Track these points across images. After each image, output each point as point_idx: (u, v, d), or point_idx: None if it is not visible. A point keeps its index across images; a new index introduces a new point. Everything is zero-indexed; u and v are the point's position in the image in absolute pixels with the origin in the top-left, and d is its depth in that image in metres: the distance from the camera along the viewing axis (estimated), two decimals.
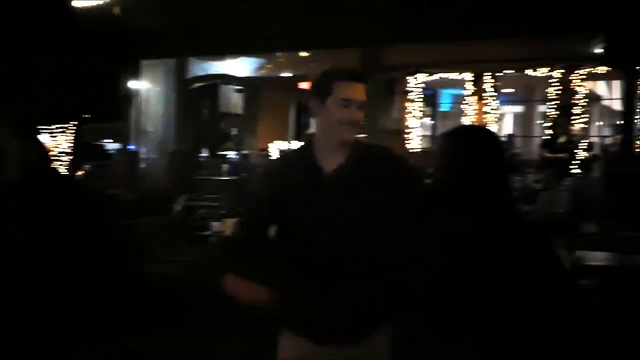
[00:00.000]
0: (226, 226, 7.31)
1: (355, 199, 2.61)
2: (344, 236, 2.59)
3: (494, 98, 17.27)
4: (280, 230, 2.77)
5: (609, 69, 13.14)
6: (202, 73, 15.83)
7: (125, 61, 14.77)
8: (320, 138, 2.74)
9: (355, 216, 2.59)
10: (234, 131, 27.08)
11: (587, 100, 16.32)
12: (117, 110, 15.95)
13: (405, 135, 18.11)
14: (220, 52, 14.84)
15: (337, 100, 2.68)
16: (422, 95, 18.32)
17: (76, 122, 13.47)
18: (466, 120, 17.45)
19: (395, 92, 18.06)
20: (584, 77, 16.02)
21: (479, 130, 2.83)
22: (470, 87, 17.36)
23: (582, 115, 16.09)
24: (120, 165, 14.93)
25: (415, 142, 18.28)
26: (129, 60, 14.85)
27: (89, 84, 13.31)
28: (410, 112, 18.21)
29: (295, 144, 21.18)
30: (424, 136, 18.84)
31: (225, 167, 16.49)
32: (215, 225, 7.49)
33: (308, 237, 2.63)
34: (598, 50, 11.64)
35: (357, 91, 2.70)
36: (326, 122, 2.71)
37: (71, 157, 13.10)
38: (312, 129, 2.83)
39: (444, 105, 21.42)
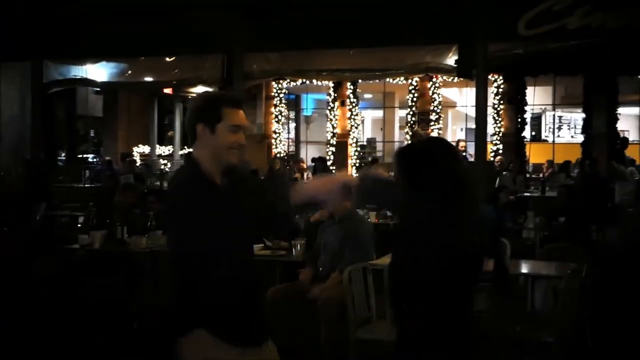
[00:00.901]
0: (95, 238, 7.10)
1: (240, 207, 2.86)
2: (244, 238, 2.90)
3: (355, 104, 17.82)
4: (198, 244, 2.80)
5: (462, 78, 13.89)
6: (60, 77, 15.26)
7: None
8: (207, 159, 2.83)
9: (244, 221, 2.85)
10: (92, 133, 26.28)
11: (442, 106, 17.19)
12: None
13: (270, 140, 18.32)
14: (79, 56, 14.40)
15: (227, 126, 2.81)
16: (286, 100, 18.61)
17: None
18: (329, 125, 17.91)
19: (259, 97, 18.20)
20: (439, 85, 16.86)
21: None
22: (332, 93, 17.80)
23: (438, 121, 16.94)
24: None
25: (280, 146, 18.53)
26: None
27: None
28: (275, 117, 18.43)
29: (159, 149, 20.87)
30: (288, 139, 19.10)
31: (86, 173, 15.99)
32: (82, 239, 7.24)
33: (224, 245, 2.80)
34: (451, 62, 12.29)
35: (243, 117, 2.88)
36: (216, 146, 2.82)
37: None
38: (197, 149, 2.87)
39: (307, 110, 21.77)
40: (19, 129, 15.63)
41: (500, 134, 16.53)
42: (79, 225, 10.02)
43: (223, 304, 2.76)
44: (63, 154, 21.65)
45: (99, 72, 15.39)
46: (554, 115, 19.77)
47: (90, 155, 22.65)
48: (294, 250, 6.82)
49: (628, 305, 5.19)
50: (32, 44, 13.06)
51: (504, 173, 13.33)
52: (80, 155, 22.34)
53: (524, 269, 6.47)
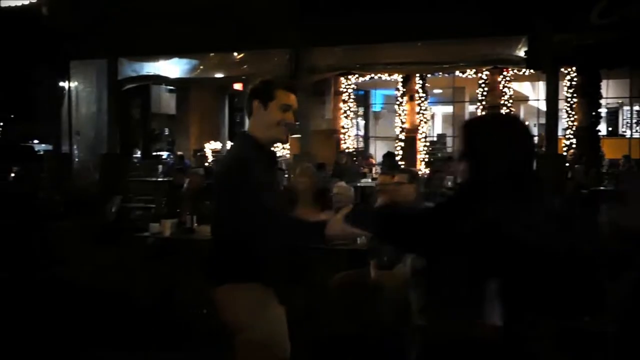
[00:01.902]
0: (165, 227, 7.31)
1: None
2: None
3: (424, 99, 17.69)
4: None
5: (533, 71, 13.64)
6: (133, 74, 15.69)
7: (55, 61, 14.56)
8: (259, 133, 3.25)
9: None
10: (166, 132, 26.89)
11: (513, 100, 16.90)
12: (46, 111, 15.70)
13: (339, 135, 18.37)
14: (152, 53, 14.78)
15: (278, 105, 3.22)
16: (355, 96, 18.64)
17: (1, 123, 13.18)
18: (397, 120, 17.84)
19: (328, 93, 18.27)
20: (510, 78, 16.58)
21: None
22: (401, 88, 17.73)
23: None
24: (52, 167, 14.66)
25: (349, 141, 18.56)
26: (59, 60, 14.63)
27: (16, 84, 13.11)
28: (344, 112, 18.48)
29: (229, 145, 21.18)
30: (357, 136, 19.11)
31: (159, 168, 16.39)
32: (154, 227, 7.47)
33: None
34: (521, 54, 12.08)
35: (293, 99, 3.28)
36: (267, 121, 3.22)
37: None
38: (251, 125, 3.28)
39: (376, 106, 21.75)
40: (96, 126, 16.14)
41: (574, 128, 16.13)
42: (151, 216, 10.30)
43: (278, 264, 3.20)
44: (138, 152, 22.25)
45: (171, 69, 15.76)
46: (631, 110, 19.18)
47: (164, 153, 23.20)
48: (358, 239, 6.83)
49: None
50: (107, 41, 13.45)
51: (575, 166, 13.02)
52: (154, 153, 22.92)
53: None
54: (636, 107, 19.32)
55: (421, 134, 17.81)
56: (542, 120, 16.98)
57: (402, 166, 15.97)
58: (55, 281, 6.94)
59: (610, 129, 19.75)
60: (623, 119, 20.18)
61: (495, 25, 11.11)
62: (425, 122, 17.95)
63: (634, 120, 19.26)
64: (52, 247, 7.15)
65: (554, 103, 11.04)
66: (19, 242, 6.94)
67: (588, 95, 15.71)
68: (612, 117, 19.97)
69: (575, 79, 15.91)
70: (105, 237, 8.69)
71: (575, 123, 16.11)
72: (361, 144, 20.69)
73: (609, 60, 12.24)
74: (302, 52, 12.47)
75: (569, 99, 16.05)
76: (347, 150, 17.50)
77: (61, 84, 15.30)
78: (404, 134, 17.85)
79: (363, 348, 5.50)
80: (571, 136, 16.04)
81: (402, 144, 17.81)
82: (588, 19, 10.54)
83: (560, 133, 13.92)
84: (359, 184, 12.51)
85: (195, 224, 7.44)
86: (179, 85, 18.16)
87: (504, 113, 3.38)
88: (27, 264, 7.03)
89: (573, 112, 16.16)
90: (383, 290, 5.94)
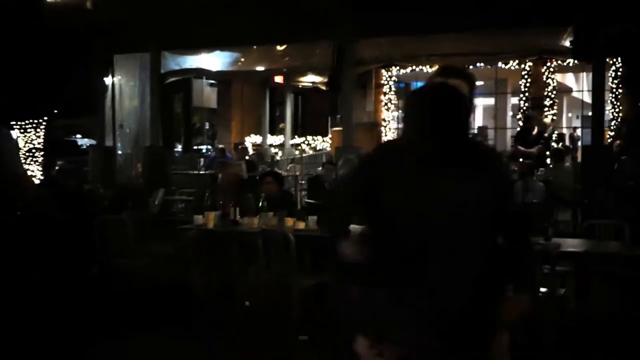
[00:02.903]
0: (208, 219, 7.35)
1: None
2: None
3: None
4: None
5: (578, 61, 13.40)
6: (176, 67, 15.82)
7: (98, 56, 14.73)
8: None
9: None
10: (207, 125, 27.10)
11: (556, 92, 16.65)
12: (89, 105, 15.89)
13: (380, 128, 18.29)
14: (196, 46, 14.87)
15: None
16: (395, 88, 18.52)
17: (46, 118, 13.37)
18: None
19: (369, 86, 18.20)
20: (554, 69, 16.33)
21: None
22: None
23: (553, 107, 16.42)
24: (96, 161, 14.87)
25: (390, 133, 18.47)
26: (102, 54, 14.80)
27: (59, 79, 13.27)
28: (385, 105, 18.39)
29: (270, 139, 21.26)
30: (397, 129, 18.97)
31: (201, 161, 16.52)
32: (198, 219, 7.52)
33: None
34: (567, 44, 11.88)
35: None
36: None
37: (43, 153, 13.01)
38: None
39: None
40: (138, 120, 16.30)
41: (619, 119, 15.82)
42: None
43: None
44: (180, 146, 22.44)
45: (212, 62, 15.84)
46: None
47: (204, 147, 23.38)
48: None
49: None
50: (150, 35, 13.57)
51: (622, 158, 12.77)
52: (195, 147, 23.10)
53: None
54: None
55: None
56: (586, 112, 16.75)
57: None
58: (114, 274, 7.07)
59: None
60: None
61: (541, 15, 10.93)
62: None
63: None
64: (107, 240, 7.25)
65: (600, 94, 10.84)
66: (73, 235, 7.04)
67: (633, 86, 15.40)
68: None
69: (620, 70, 15.61)
70: (152, 230, 8.81)
71: (621, 114, 15.81)
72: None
73: None
74: (346, 45, 12.40)
75: (614, 90, 15.76)
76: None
77: (104, 78, 15.47)
78: None
79: None
80: (616, 127, 15.75)
81: None
82: (634, 8, 10.31)
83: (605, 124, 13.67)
84: None
85: (239, 216, 7.48)
86: (221, 78, 18.24)
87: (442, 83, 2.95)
88: (84, 257, 7.14)
89: (618, 103, 15.86)
90: None
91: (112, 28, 13.49)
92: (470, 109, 2.71)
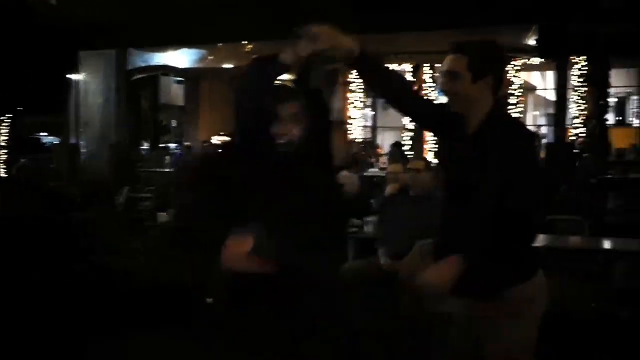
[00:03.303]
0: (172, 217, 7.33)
1: None
2: None
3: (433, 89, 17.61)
4: None
5: (543, 60, 13.55)
6: (143, 64, 15.69)
7: (62, 52, 14.57)
8: None
9: None
10: (174, 123, 26.90)
11: (522, 90, 16.80)
12: (54, 102, 15.72)
13: (347, 126, 18.32)
14: (161, 43, 14.76)
15: None
16: (363, 86, 18.56)
17: (11, 115, 13.21)
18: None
19: (337, 83, 18.21)
20: (519, 68, 16.49)
21: None
22: (410, 78, 17.63)
23: (518, 105, 16.58)
24: (61, 159, 14.70)
25: (357, 132, 18.53)
26: (66, 51, 14.64)
27: (24, 76, 13.12)
28: (352, 103, 18.43)
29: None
30: (365, 127, 19.07)
31: (167, 159, 16.43)
32: (161, 216, 7.51)
33: None
34: (532, 42, 12.00)
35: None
36: None
37: (6, 151, 12.88)
38: None
39: None
40: (104, 118, 16.15)
41: (582, 118, 16.02)
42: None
43: None
44: (146, 144, 22.25)
45: (180, 59, 15.74)
46: (639, 99, 19.12)
47: (173, 145, 23.20)
48: (365, 227, 6.83)
49: None
50: (116, 32, 13.45)
51: (584, 155, 12.99)
52: (163, 145, 22.91)
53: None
54: None
55: None
56: (551, 110, 16.96)
57: (410, 156, 15.98)
58: (96, 269, 6.97)
59: (619, 118, 19.64)
60: (631, 109, 20.06)
61: (506, 13, 11.04)
62: None
63: None
64: (83, 237, 7.16)
65: (563, 92, 11.00)
66: (47, 232, 6.94)
67: (597, 85, 15.60)
68: (620, 106, 19.84)
69: (584, 68, 15.79)
70: (119, 227, 8.76)
71: (585, 112, 16.00)
72: (369, 135, 20.65)
73: (620, 49, 12.18)
74: None
75: (577, 89, 15.94)
76: (354, 140, 17.47)
77: (69, 75, 15.31)
78: (412, 124, 17.74)
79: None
80: (579, 125, 15.94)
81: (411, 133, 17.73)
82: (599, 6, 10.45)
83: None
84: (365, 174, 12.51)
85: None
86: (189, 76, 18.14)
87: None
88: (62, 254, 7.05)
89: (582, 102, 16.05)
90: (398, 280, 5.90)
91: (77, 25, 13.36)
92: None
